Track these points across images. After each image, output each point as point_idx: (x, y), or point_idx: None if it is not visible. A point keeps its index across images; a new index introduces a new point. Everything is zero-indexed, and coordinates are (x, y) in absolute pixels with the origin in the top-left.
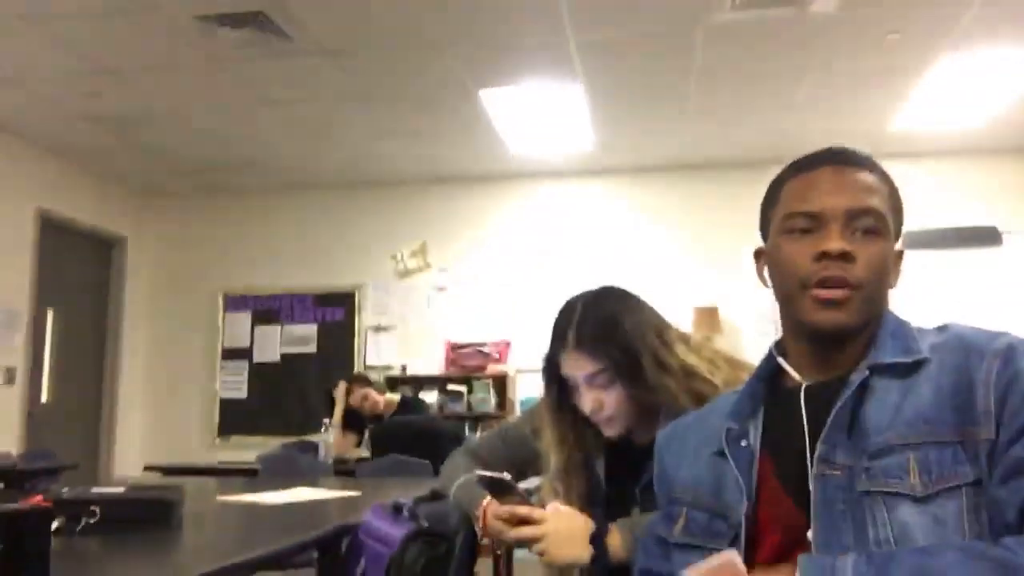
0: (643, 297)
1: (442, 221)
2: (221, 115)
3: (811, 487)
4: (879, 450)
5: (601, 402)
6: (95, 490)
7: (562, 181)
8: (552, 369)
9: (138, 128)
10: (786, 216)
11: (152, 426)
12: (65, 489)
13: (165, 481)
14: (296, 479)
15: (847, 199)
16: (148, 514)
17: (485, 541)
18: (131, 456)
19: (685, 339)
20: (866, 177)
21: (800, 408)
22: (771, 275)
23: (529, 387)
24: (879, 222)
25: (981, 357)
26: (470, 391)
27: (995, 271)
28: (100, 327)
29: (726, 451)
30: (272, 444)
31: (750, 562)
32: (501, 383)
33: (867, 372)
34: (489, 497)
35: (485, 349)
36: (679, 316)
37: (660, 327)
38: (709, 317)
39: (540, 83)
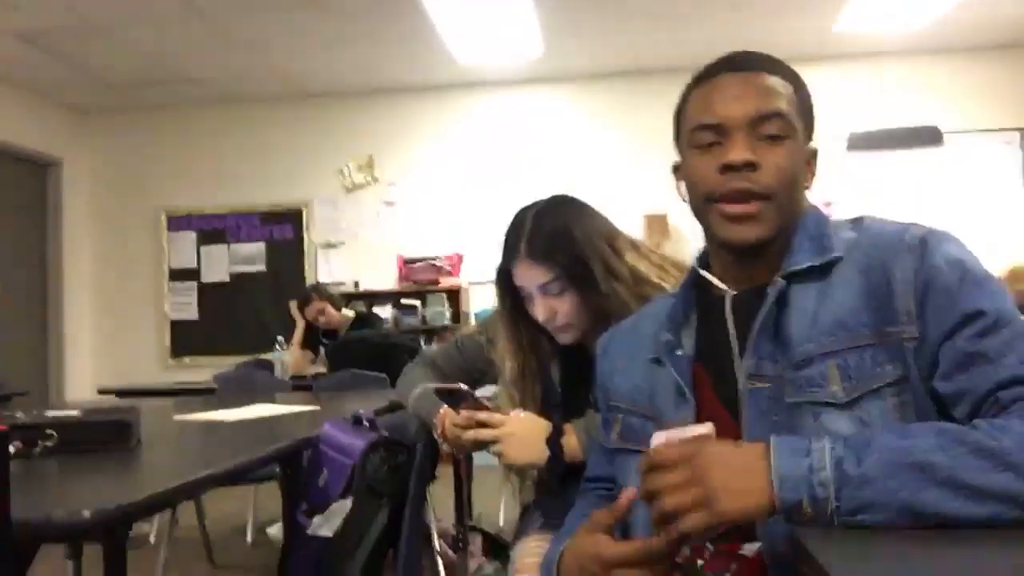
0: (593, 205)
1: (389, 133)
2: (153, 27)
3: (740, 400)
4: (801, 360)
5: (554, 310)
6: (50, 413)
7: (510, 89)
8: (505, 279)
9: (67, 43)
10: (691, 129)
11: (102, 351)
12: (19, 414)
13: (120, 403)
14: (254, 396)
15: (748, 105)
16: (105, 435)
17: (445, 447)
18: (82, 382)
19: (635, 246)
20: (768, 80)
21: (727, 319)
22: (686, 189)
23: (483, 299)
24: (785, 125)
25: (895, 253)
26: (424, 305)
27: (936, 170)
28: (41, 252)
29: (665, 360)
30: (227, 364)
31: None
32: (455, 296)
33: (783, 282)
34: (446, 406)
35: (437, 263)
36: (629, 223)
37: (610, 234)
38: (659, 224)
39: None
